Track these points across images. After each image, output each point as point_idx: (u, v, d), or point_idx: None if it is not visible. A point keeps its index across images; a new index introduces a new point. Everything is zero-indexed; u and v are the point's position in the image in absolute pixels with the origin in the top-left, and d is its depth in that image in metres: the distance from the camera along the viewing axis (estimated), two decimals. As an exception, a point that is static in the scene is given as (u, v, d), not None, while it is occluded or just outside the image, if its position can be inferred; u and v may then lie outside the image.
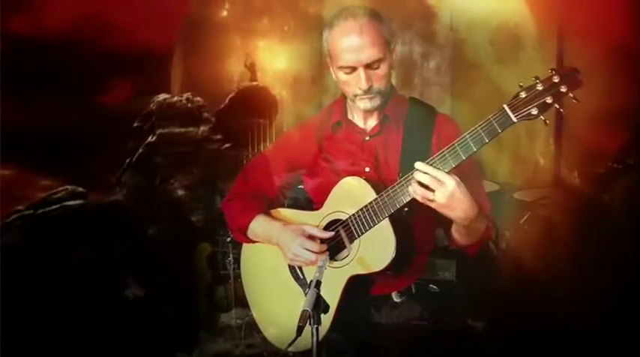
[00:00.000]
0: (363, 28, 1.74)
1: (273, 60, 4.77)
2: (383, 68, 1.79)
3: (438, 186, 1.56)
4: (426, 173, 1.56)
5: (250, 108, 4.50)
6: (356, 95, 1.81)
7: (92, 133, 3.86)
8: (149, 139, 4.38)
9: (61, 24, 3.61)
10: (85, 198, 4.02)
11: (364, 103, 1.81)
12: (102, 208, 4.06)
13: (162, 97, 4.42)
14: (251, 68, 4.57)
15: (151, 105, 4.41)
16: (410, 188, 1.60)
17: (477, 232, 1.74)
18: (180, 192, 4.32)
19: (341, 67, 1.80)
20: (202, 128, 4.44)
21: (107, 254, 3.65)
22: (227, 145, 4.48)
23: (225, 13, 4.78)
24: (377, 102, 1.82)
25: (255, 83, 4.58)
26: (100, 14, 3.74)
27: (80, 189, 4.02)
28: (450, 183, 1.56)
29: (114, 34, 3.70)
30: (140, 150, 4.35)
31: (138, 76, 4.19)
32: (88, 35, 3.71)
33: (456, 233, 1.77)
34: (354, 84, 1.79)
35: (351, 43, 1.74)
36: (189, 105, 4.39)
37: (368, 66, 1.76)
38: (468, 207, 1.58)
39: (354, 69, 1.77)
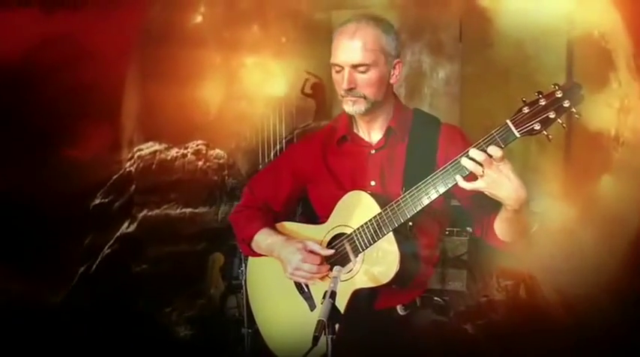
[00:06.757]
0: (357, 31, 1.92)
1: (266, 82, 4.23)
2: (371, 75, 1.93)
3: (487, 163, 1.71)
4: (472, 159, 1.69)
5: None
6: (342, 96, 2.00)
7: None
8: (123, 228, 3.06)
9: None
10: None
11: (348, 106, 1.98)
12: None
13: (148, 148, 3.02)
14: (315, 93, 3.32)
15: (127, 164, 3.04)
16: (462, 160, 1.72)
17: (523, 223, 1.84)
18: (183, 332, 2.76)
19: (333, 65, 1.98)
20: (225, 209, 3.02)
21: None
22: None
23: (199, 18, 4.13)
24: (361, 107, 1.96)
25: (324, 123, 3.31)
26: (60, 36, 3.24)
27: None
28: (498, 155, 1.73)
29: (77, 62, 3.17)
30: (106, 250, 2.94)
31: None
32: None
33: (503, 224, 1.84)
34: (340, 84, 1.98)
35: (342, 42, 1.93)
36: (199, 163, 2.97)
37: (354, 67, 1.93)
38: (518, 185, 1.69)
39: (342, 68, 1.95)
